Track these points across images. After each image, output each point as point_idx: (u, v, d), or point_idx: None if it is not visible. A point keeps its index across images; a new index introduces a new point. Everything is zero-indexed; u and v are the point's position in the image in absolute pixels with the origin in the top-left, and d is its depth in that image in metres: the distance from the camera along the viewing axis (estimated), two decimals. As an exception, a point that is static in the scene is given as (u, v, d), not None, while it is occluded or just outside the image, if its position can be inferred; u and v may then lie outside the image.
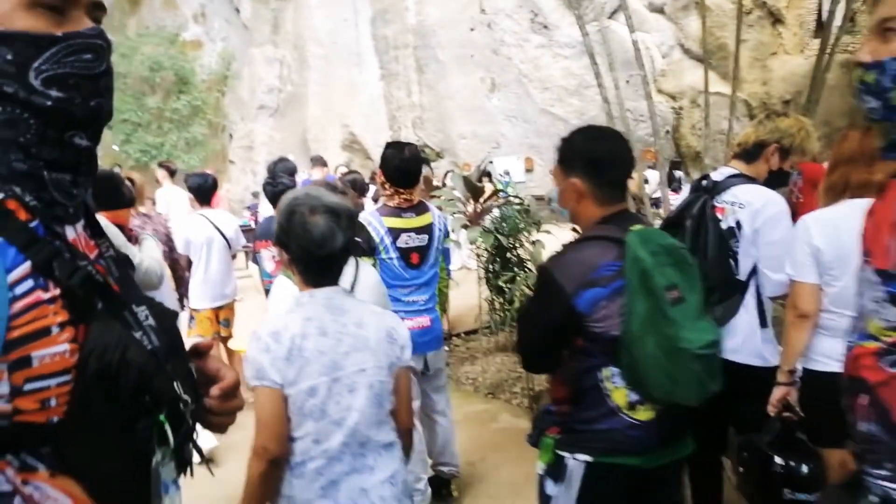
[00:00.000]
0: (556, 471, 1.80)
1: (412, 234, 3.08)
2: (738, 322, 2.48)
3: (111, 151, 15.38)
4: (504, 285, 4.90)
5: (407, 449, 1.89)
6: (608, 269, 1.69)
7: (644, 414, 1.74)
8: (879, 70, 1.23)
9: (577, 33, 12.09)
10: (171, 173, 8.18)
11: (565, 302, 1.68)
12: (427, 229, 3.14)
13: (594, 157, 1.78)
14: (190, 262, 4.71)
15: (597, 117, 13.01)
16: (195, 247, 4.68)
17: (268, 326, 1.69)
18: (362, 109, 16.43)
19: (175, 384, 0.91)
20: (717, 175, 2.64)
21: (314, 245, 1.65)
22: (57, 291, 0.80)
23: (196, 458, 1.00)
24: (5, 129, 0.81)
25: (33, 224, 0.82)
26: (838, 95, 12.87)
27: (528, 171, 14.34)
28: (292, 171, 5.45)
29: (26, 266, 0.78)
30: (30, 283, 0.78)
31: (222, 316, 4.84)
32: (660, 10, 13.78)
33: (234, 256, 5.12)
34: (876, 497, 1.17)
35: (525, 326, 1.90)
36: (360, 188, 5.13)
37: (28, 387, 0.76)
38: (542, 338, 1.81)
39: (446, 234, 3.41)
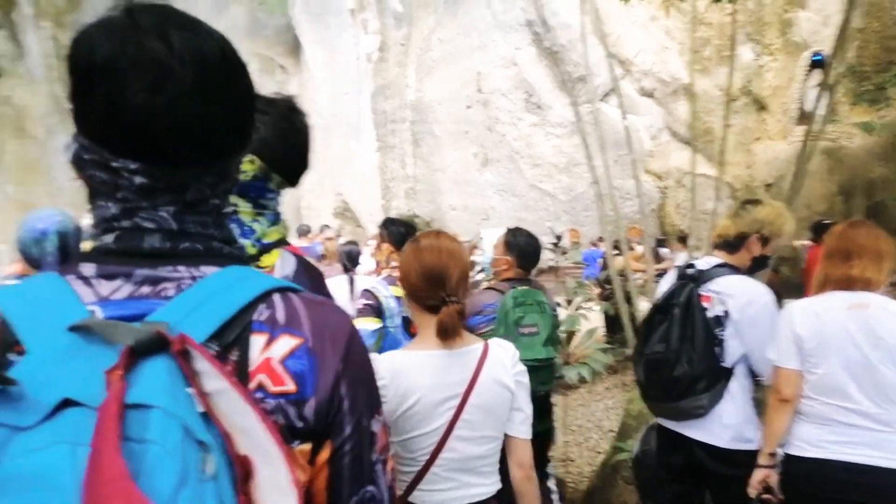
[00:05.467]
0: None
1: None
2: (724, 408, 2.44)
3: None
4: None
5: None
6: (489, 306, 2.94)
7: None
8: None
9: (570, 113, 12.46)
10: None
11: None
12: None
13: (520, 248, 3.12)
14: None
15: (584, 193, 13.24)
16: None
17: None
18: (357, 179, 16.68)
19: None
20: (702, 264, 2.63)
21: None
22: None
23: None
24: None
25: None
26: (818, 181, 13.23)
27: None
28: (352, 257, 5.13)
29: None
30: None
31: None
32: (650, 95, 14.28)
33: None
34: None
35: None
36: (353, 259, 5.18)
37: None
38: None
39: None
